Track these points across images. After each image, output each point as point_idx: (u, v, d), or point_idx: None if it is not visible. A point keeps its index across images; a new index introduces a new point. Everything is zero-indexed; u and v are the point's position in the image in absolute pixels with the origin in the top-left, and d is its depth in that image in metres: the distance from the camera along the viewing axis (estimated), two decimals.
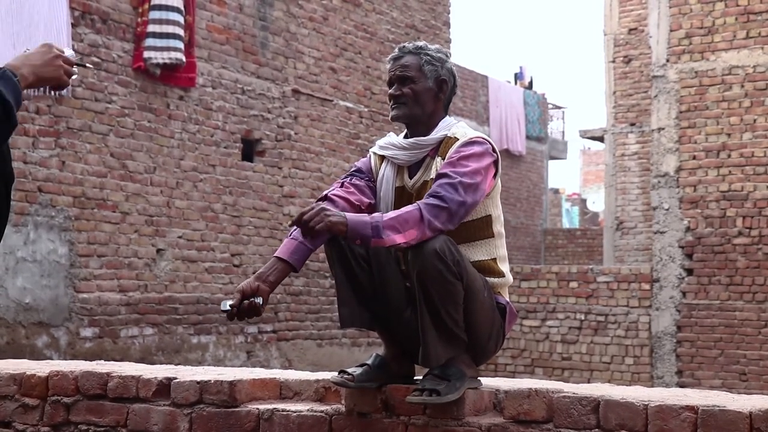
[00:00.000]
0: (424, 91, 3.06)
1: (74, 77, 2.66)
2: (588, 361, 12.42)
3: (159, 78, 9.80)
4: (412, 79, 3.05)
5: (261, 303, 2.86)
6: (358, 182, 3.12)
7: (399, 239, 2.79)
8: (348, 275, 2.96)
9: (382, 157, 3.15)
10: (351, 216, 2.81)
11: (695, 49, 11.81)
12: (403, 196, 3.09)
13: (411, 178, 3.08)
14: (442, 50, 3.13)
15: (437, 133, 3.05)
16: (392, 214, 2.82)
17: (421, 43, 3.13)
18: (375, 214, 2.84)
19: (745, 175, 11.48)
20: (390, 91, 3.10)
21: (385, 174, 3.11)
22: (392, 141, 3.13)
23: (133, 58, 9.58)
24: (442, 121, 3.09)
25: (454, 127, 3.07)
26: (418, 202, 2.87)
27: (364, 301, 2.99)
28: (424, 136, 3.07)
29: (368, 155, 3.22)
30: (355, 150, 12.48)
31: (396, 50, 3.13)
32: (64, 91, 8.87)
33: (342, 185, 3.10)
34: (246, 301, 2.85)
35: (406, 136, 3.12)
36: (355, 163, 3.25)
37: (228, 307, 2.86)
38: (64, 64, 2.58)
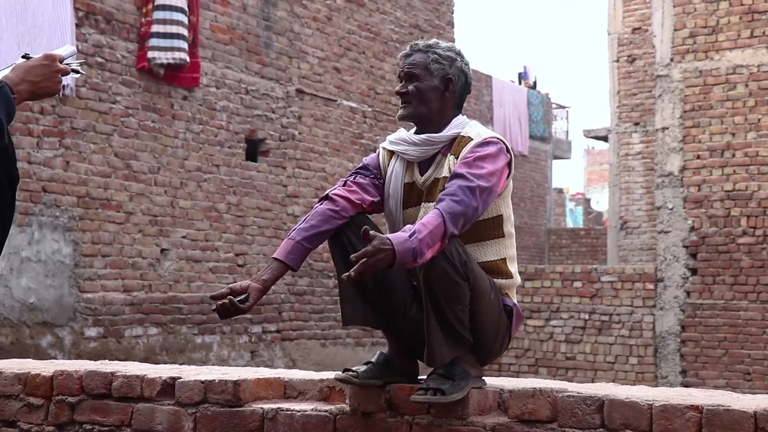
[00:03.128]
0: (429, 90, 3.04)
1: (78, 75, 2.66)
2: (592, 360, 12.41)
3: (163, 78, 9.80)
4: (417, 76, 3.05)
5: (244, 299, 2.86)
6: (361, 180, 3.10)
7: (429, 255, 2.75)
8: None
9: (392, 153, 3.13)
10: (398, 246, 2.69)
11: (699, 49, 11.80)
12: (412, 192, 3.07)
13: (422, 174, 3.07)
14: (453, 48, 3.11)
15: (449, 131, 3.04)
16: (424, 229, 2.73)
17: (432, 41, 3.12)
18: (412, 233, 2.72)
19: (749, 175, 11.46)
20: (397, 87, 3.11)
21: (395, 169, 3.10)
22: (403, 136, 3.11)
23: (137, 59, 9.59)
24: (455, 119, 3.07)
25: (468, 126, 3.06)
26: (440, 208, 2.80)
27: (367, 298, 2.98)
28: (436, 133, 3.05)
29: (377, 151, 3.20)
30: (359, 150, 12.48)
31: (407, 47, 3.14)
32: (68, 91, 8.89)
33: (345, 184, 3.08)
34: (227, 299, 2.84)
35: (416, 132, 3.11)
36: (363, 159, 3.23)
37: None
38: (62, 75, 2.56)
